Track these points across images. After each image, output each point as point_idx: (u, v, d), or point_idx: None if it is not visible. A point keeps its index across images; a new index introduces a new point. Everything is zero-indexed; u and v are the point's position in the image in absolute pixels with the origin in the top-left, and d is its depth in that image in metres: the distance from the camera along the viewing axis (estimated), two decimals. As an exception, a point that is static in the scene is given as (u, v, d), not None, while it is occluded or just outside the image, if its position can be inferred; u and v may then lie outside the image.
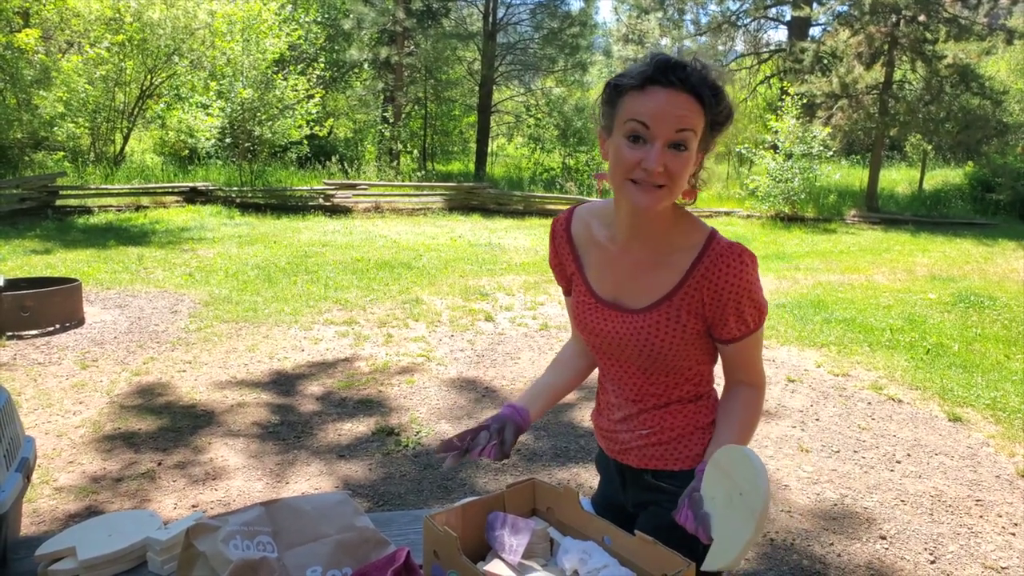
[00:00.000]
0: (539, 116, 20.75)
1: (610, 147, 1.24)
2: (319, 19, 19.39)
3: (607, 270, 1.39)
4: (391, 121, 18.77)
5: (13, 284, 5.80)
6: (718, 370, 1.43)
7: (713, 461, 1.22)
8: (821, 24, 19.41)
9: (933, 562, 2.94)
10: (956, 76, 14.63)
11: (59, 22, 15.92)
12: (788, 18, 19.25)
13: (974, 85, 14.73)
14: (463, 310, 6.68)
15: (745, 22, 20.52)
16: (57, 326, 5.67)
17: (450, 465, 1.42)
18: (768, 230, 13.27)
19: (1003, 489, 3.58)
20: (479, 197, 14.93)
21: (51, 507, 3.14)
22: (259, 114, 14.32)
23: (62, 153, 15.29)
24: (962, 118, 14.98)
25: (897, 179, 20.26)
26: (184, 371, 4.86)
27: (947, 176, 19.68)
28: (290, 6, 16.27)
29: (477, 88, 20.36)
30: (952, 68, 14.47)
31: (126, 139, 16.63)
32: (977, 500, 3.46)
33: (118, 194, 12.80)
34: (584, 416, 4.28)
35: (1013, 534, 3.17)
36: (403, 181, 16.57)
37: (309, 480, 3.46)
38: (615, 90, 1.23)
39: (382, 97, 20.16)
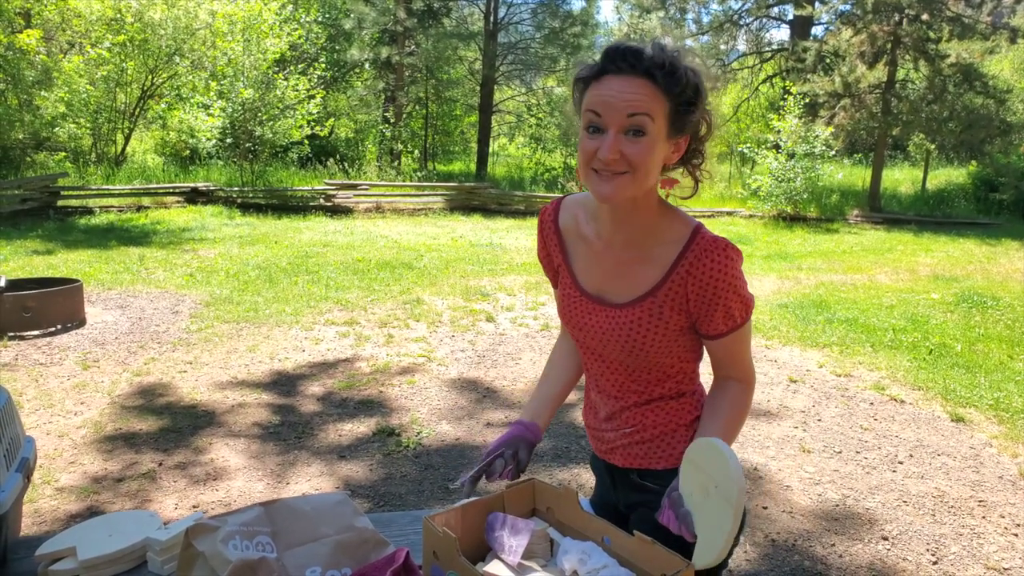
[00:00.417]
0: (540, 116, 20.74)
1: None
2: (320, 19, 19.39)
3: (592, 264, 1.37)
4: (392, 121, 18.77)
5: (15, 285, 5.81)
6: (704, 368, 1.42)
7: (687, 457, 1.21)
8: (823, 23, 19.39)
9: (935, 563, 2.93)
10: (959, 75, 14.60)
11: (60, 23, 15.95)
12: (790, 17, 19.23)
13: (977, 84, 14.70)
14: (464, 310, 6.67)
15: (747, 21, 20.49)
16: (58, 326, 5.68)
17: (468, 491, 1.40)
18: (770, 230, 13.26)
19: (1006, 490, 3.57)
20: (480, 197, 14.93)
21: (52, 507, 3.14)
22: (260, 114, 14.32)
23: (63, 153, 15.31)
24: (965, 117, 14.95)
25: (900, 179, 20.24)
26: (185, 371, 4.86)
27: (950, 176, 19.65)
28: (291, 6, 16.27)
29: (478, 88, 20.36)
30: (955, 67, 14.44)
31: (127, 139, 16.65)
32: (980, 501, 3.45)
33: (119, 195, 12.81)
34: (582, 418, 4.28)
35: (1016, 535, 3.16)
36: (404, 181, 16.57)
37: (310, 480, 3.46)
38: (577, 84, 1.23)
39: (383, 97, 20.17)
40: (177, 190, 13.51)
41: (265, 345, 5.46)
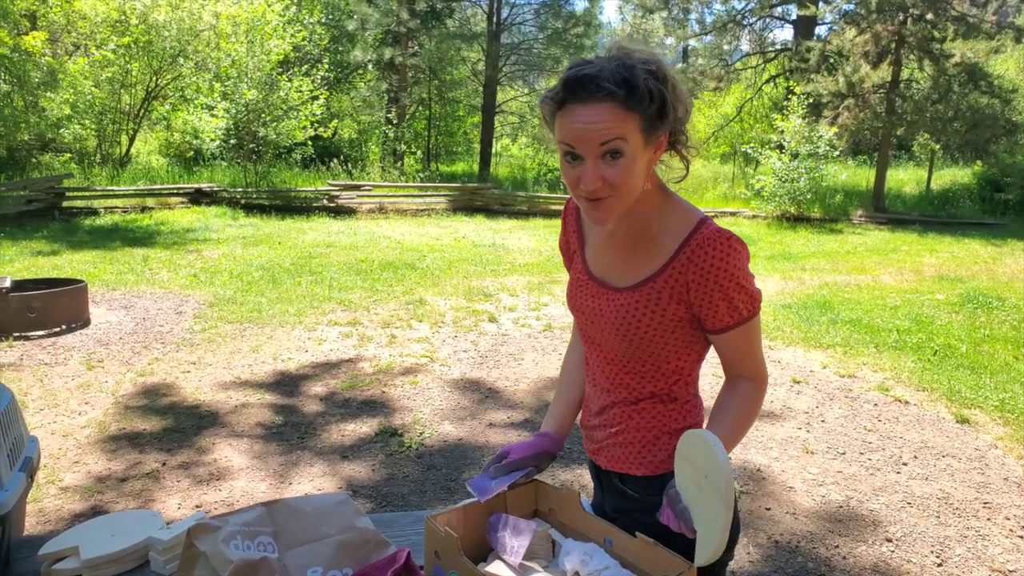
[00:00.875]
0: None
1: None
2: (323, 20, 19.43)
3: (601, 248, 1.39)
4: (395, 122, 18.79)
5: (20, 285, 5.83)
6: (707, 370, 1.40)
7: (678, 453, 1.20)
8: (827, 23, 19.35)
9: (940, 565, 2.92)
10: (964, 75, 14.55)
11: (65, 24, 16.00)
12: (794, 17, 19.19)
13: (982, 84, 14.65)
14: (467, 311, 6.67)
15: (750, 21, 20.46)
16: (63, 327, 5.69)
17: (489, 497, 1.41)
18: (774, 230, 13.23)
19: (1011, 491, 3.56)
20: (483, 198, 14.93)
21: (56, 507, 3.15)
22: (264, 115, 14.34)
23: (69, 155, 15.37)
24: (970, 117, 14.89)
25: (904, 179, 20.18)
26: (188, 372, 4.87)
27: (955, 176, 19.59)
28: (294, 7, 16.30)
29: (481, 88, 20.37)
30: (960, 67, 14.39)
31: (132, 141, 16.70)
32: (985, 503, 3.44)
33: (124, 195, 12.85)
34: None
35: (1021, 537, 3.15)
36: (407, 182, 16.58)
37: (312, 481, 3.46)
38: (544, 114, 1.22)
39: (386, 98, 20.19)
40: (181, 191, 13.55)
41: (268, 345, 5.47)
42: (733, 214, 14.74)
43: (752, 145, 15.74)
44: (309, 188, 14.20)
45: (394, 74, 19.27)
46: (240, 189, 13.81)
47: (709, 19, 20.25)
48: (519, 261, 9.28)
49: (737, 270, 1.24)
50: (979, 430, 4.31)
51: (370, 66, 19.73)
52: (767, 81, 21.04)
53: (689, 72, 17.75)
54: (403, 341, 5.71)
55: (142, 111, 16.56)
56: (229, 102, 14.16)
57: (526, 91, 22.73)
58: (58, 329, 5.65)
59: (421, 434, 4.02)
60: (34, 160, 14.63)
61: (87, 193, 12.45)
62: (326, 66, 17.32)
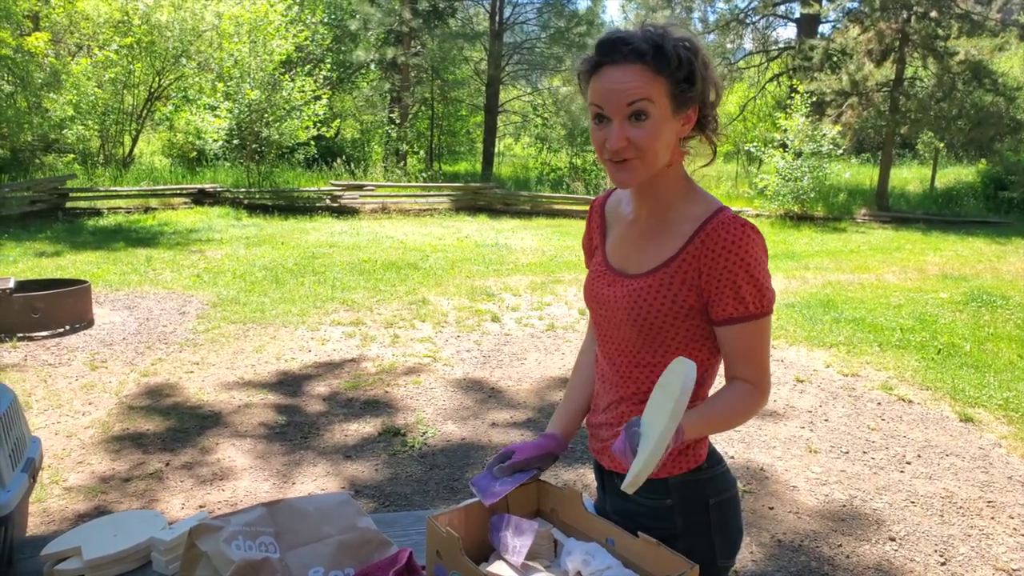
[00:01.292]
0: (546, 116, 20.74)
1: None
2: (325, 20, 19.44)
3: (621, 239, 1.39)
4: (398, 122, 18.80)
5: (24, 286, 5.84)
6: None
7: (658, 383, 1.18)
8: (831, 21, 19.32)
9: (943, 564, 2.91)
10: (968, 73, 14.51)
11: (68, 25, 16.04)
12: (797, 15, 19.16)
13: (987, 82, 14.60)
14: (469, 311, 6.67)
15: (754, 20, 20.43)
16: (67, 327, 5.70)
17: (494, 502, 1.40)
18: (777, 229, 13.21)
19: (1015, 490, 3.55)
20: (486, 197, 14.93)
21: (61, 507, 3.16)
22: (266, 115, 14.36)
23: (72, 155, 15.40)
24: (974, 115, 14.85)
25: (908, 177, 20.14)
26: (192, 372, 4.88)
27: (959, 174, 19.54)
28: (297, 7, 16.31)
29: (484, 88, 20.37)
30: (964, 64, 14.35)
31: (135, 141, 16.73)
32: (988, 501, 3.43)
33: (127, 196, 12.87)
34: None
35: (1025, 535, 3.14)
36: (410, 182, 16.59)
37: (316, 480, 3.46)
38: (581, 77, 1.27)
39: (389, 98, 20.21)
40: (184, 191, 13.57)
41: (271, 346, 5.47)
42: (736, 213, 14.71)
43: (755, 144, 15.72)
44: (312, 188, 14.21)
45: (397, 74, 19.28)
46: (243, 189, 13.83)
47: (712, 18, 20.24)
48: (522, 261, 9.28)
49: (750, 258, 1.21)
50: (983, 429, 4.29)
51: (373, 66, 19.74)
52: (770, 80, 21.01)
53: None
54: (406, 341, 5.72)
55: (145, 111, 16.59)
56: (232, 102, 14.18)
57: (529, 90, 22.72)
58: (62, 330, 5.67)
59: (424, 434, 4.02)
60: (37, 161, 14.66)
61: (90, 194, 12.48)
62: (329, 66, 17.34)
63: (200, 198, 13.42)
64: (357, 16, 18.29)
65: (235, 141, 14.47)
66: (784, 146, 14.41)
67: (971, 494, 3.49)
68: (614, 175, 1.25)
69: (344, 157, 18.01)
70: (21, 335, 5.48)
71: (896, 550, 3.00)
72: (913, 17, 14.64)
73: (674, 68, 1.18)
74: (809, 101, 14.47)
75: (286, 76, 15.13)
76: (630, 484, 1.11)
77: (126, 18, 15.04)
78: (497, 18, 19.37)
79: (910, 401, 4.72)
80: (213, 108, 14.58)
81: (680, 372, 1.12)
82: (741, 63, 21.05)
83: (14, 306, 5.45)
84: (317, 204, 13.50)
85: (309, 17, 16.93)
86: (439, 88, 21.12)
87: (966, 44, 14.35)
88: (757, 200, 14.86)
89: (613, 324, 1.35)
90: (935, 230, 13.52)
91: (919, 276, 8.97)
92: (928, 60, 14.94)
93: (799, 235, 12.55)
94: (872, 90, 14.93)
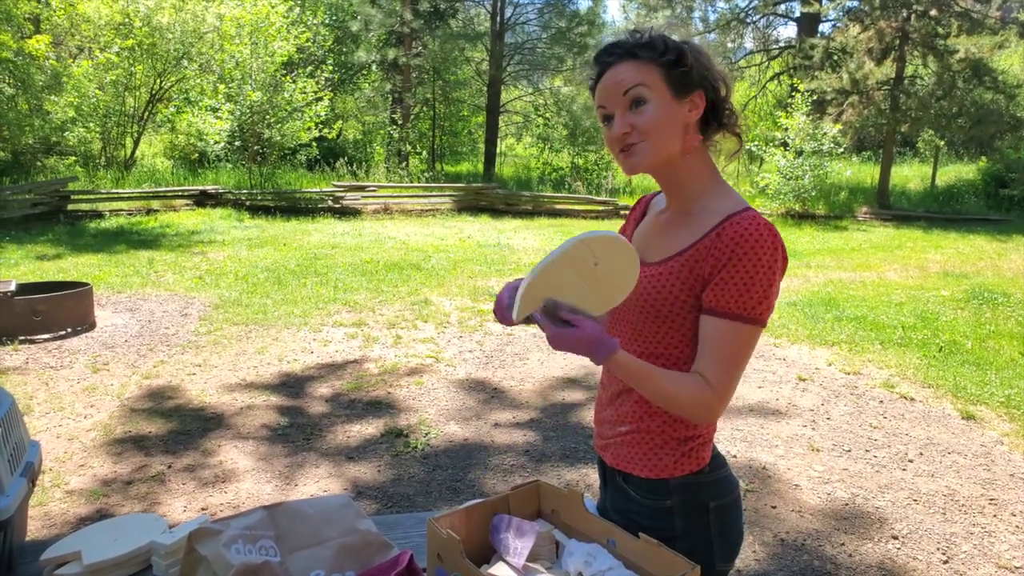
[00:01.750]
0: (548, 116, 20.73)
1: None
2: (327, 21, 19.44)
3: (649, 229, 1.41)
4: (399, 122, 18.80)
5: (25, 288, 5.85)
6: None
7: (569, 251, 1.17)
8: (831, 20, 19.31)
9: (946, 562, 2.90)
10: (968, 70, 14.50)
11: (69, 28, 16.05)
12: (797, 14, 19.15)
13: (987, 79, 14.59)
14: (472, 311, 6.67)
15: (754, 19, 20.43)
16: (68, 330, 5.71)
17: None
18: (779, 228, 12.98)
19: (1017, 488, 3.54)
20: (488, 198, 14.93)
21: (62, 510, 3.16)
22: (268, 117, 14.37)
23: (73, 158, 15.42)
24: (975, 113, 14.84)
25: (909, 175, 20.12)
26: (194, 374, 4.88)
27: (960, 172, 19.51)
28: (298, 9, 16.32)
29: (485, 88, 20.37)
30: (964, 62, 14.34)
31: (136, 143, 16.74)
32: (991, 499, 3.42)
33: (129, 198, 12.88)
34: (592, 416, 4.27)
35: (1028, 533, 3.13)
36: (412, 182, 16.59)
37: (318, 482, 3.46)
38: (592, 94, 1.33)
39: (390, 98, 20.21)
40: (186, 193, 13.58)
41: (274, 347, 5.47)
42: (738, 212, 14.70)
43: (756, 143, 15.70)
44: (314, 189, 14.22)
45: (398, 75, 19.29)
46: (245, 191, 13.84)
47: (713, 17, 20.23)
48: (524, 261, 9.28)
49: (755, 258, 1.18)
50: (985, 426, 4.29)
51: (374, 67, 19.75)
52: (771, 79, 21.00)
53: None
54: (408, 342, 5.72)
55: (146, 113, 16.60)
56: (233, 104, 14.19)
57: (530, 91, 22.72)
58: (63, 332, 5.67)
59: (427, 435, 4.02)
60: (39, 163, 14.67)
61: (92, 196, 12.48)
62: (330, 67, 17.36)
63: (202, 200, 13.43)
64: (358, 17, 18.29)
65: (237, 143, 14.48)
66: (785, 145, 14.40)
67: (973, 492, 3.48)
68: (622, 163, 1.28)
69: (346, 158, 18.01)
70: (23, 338, 5.49)
71: (899, 548, 2.99)
72: (913, 15, 14.63)
73: (661, 52, 1.23)
74: (810, 100, 14.46)
75: (288, 77, 15.14)
76: (515, 309, 1.17)
77: (127, 20, 15.05)
78: (498, 18, 19.37)
79: (912, 399, 4.71)
80: (215, 110, 14.59)
81: (601, 234, 1.17)
82: (742, 62, 21.04)
83: (15, 309, 5.46)
84: (319, 205, 13.51)
85: (310, 18, 16.93)
86: (441, 89, 21.13)
87: (966, 42, 14.33)
88: (758, 199, 14.85)
89: (624, 309, 1.36)
90: (936, 228, 13.50)
91: (920, 274, 8.96)
92: (928, 58, 14.93)
93: (800, 233, 12.54)
94: (872, 88, 14.91)
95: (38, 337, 5.55)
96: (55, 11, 15.27)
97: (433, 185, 15.73)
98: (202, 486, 3.40)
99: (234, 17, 14.86)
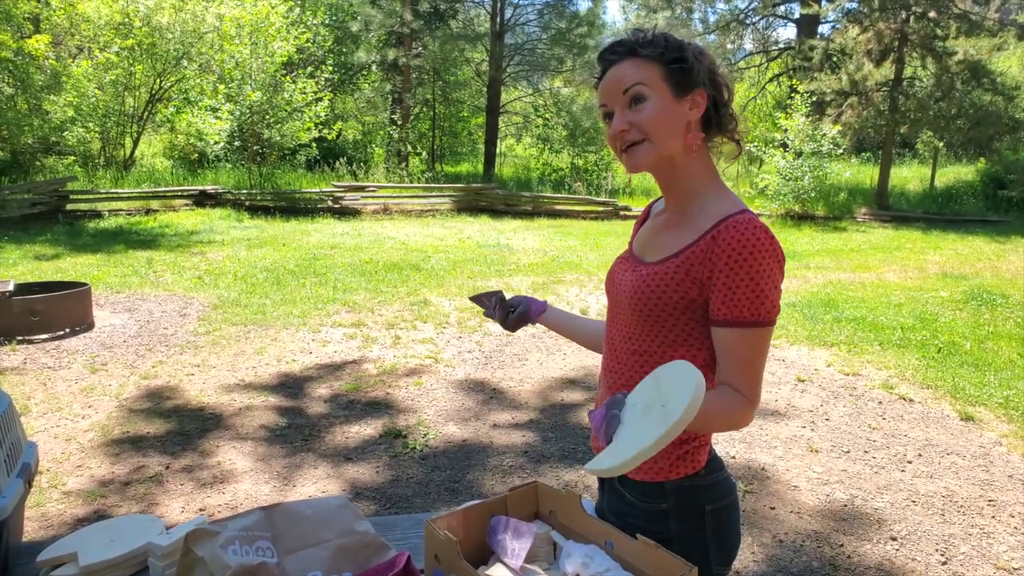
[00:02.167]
0: (547, 116, 20.74)
1: None
2: (327, 22, 19.45)
3: (649, 229, 1.42)
4: (399, 123, 18.80)
5: (23, 288, 5.84)
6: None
7: (654, 373, 1.12)
8: (830, 21, 19.34)
9: (944, 563, 2.90)
10: (967, 72, 14.51)
11: (69, 27, 16.05)
12: (797, 16, 19.17)
13: (985, 81, 14.60)
14: (471, 311, 6.67)
15: (754, 20, 20.44)
16: (67, 330, 5.70)
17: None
18: (778, 229, 13.20)
19: (1016, 489, 3.54)
20: (487, 198, 14.93)
21: (59, 511, 3.15)
22: (268, 117, 14.37)
23: (72, 158, 15.41)
24: (973, 115, 14.85)
25: (908, 176, 20.12)
26: (192, 374, 4.88)
27: (959, 173, 19.52)
28: (298, 9, 16.32)
29: (485, 89, 20.38)
30: (963, 64, 14.35)
31: (136, 143, 16.74)
32: (989, 500, 3.42)
33: (128, 198, 12.88)
34: (592, 417, 4.26)
35: (1027, 535, 3.13)
36: (411, 183, 16.59)
37: (317, 483, 3.46)
38: (596, 89, 1.34)
39: (390, 99, 20.22)
40: (185, 193, 13.58)
41: (272, 347, 5.47)
42: (737, 213, 14.70)
43: (756, 144, 15.71)
44: (313, 190, 14.22)
45: (398, 75, 19.29)
46: (244, 191, 13.84)
47: (712, 18, 20.24)
48: (524, 261, 9.27)
49: (756, 262, 1.18)
50: (983, 427, 4.29)
51: (374, 67, 19.76)
52: (770, 80, 21.01)
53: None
54: (407, 342, 5.71)
55: (146, 113, 16.59)
56: (233, 104, 14.19)
57: (530, 91, 22.72)
58: (61, 332, 5.67)
59: (425, 435, 4.01)
60: (38, 163, 14.67)
61: (91, 196, 12.48)
62: (330, 67, 17.36)
63: (201, 200, 13.43)
64: (358, 18, 18.30)
65: (236, 143, 14.47)
66: (784, 146, 14.41)
67: (972, 493, 3.48)
68: (624, 161, 1.29)
69: (346, 158, 18.02)
70: (21, 338, 5.48)
71: (897, 550, 2.99)
72: (912, 17, 14.64)
73: (662, 50, 1.23)
74: (809, 101, 14.47)
75: (287, 78, 15.14)
76: (592, 470, 1.08)
77: (127, 20, 15.05)
78: (498, 19, 19.37)
79: (911, 400, 4.71)
80: (214, 110, 14.59)
81: (688, 389, 1.03)
82: (741, 63, 21.05)
83: (14, 309, 5.45)
84: (319, 205, 13.51)
85: (310, 19, 16.93)
86: (440, 89, 21.13)
87: (964, 44, 14.35)
88: (758, 200, 14.85)
89: (620, 308, 1.37)
90: (935, 229, 13.50)
91: (919, 275, 8.96)
92: (927, 60, 14.94)
93: (800, 234, 12.54)
94: (872, 90, 14.93)
95: (36, 337, 5.54)
96: (55, 11, 15.27)
97: (433, 186, 15.73)
98: (200, 487, 3.40)
99: (234, 17, 14.86)
